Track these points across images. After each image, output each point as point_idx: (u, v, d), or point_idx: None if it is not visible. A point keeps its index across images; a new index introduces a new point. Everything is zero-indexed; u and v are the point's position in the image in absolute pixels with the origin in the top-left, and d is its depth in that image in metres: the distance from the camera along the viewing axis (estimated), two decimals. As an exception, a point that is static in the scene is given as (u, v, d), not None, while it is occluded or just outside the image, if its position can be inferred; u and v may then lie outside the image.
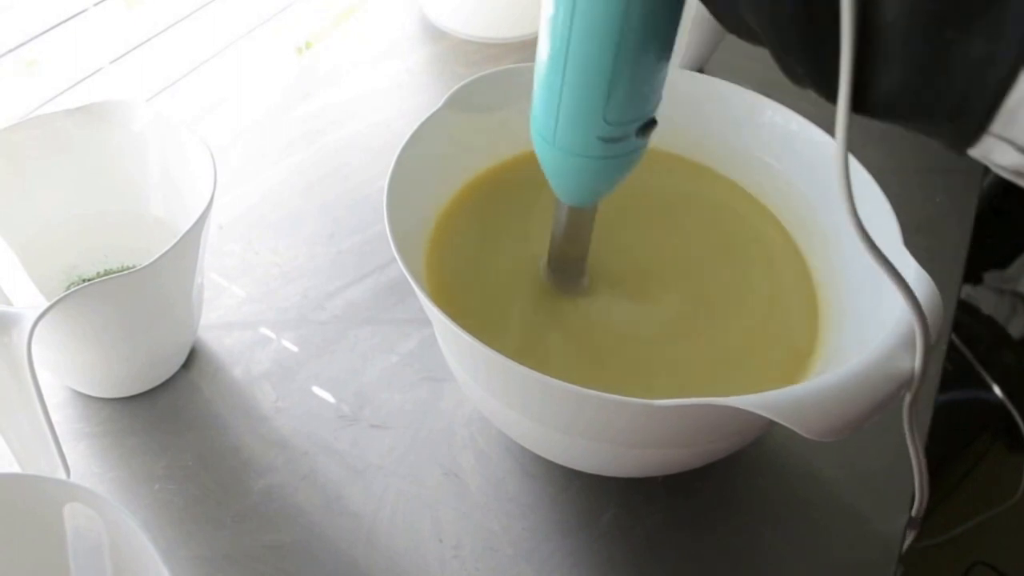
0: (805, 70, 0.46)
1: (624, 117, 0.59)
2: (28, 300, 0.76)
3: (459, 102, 0.77)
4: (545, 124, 0.61)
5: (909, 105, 0.42)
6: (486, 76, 0.79)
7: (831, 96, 0.45)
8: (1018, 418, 1.61)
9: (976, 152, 0.42)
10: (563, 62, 0.56)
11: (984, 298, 1.74)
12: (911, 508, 0.70)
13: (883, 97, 0.42)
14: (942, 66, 0.39)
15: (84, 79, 1.00)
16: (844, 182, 0.49)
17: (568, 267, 0.74)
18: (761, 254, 0.79)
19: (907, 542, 0.75)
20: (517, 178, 0.83)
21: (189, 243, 0.70)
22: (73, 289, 0.64)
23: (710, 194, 0.83)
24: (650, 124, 0.61)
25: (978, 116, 0.39)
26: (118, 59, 1.02)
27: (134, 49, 1.04)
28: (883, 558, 0.74)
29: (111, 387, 0.80)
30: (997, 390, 1.61)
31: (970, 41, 0.38)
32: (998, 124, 0.39)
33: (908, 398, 0.57)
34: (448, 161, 0.78)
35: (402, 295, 0.91)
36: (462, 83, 0.78)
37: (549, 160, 0.64)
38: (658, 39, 0.56)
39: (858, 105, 0.44)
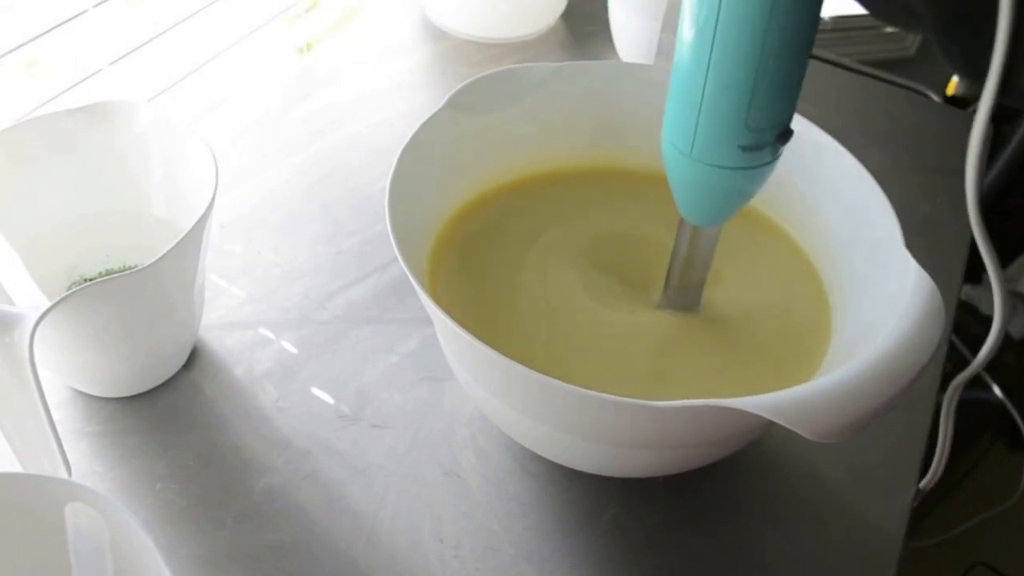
0: (960, 52, 0.47)
1: (766, 122, 0.59)
2: (30, 300, 0.76)
3: (460, 102, 0.77)
4: (683, 134, 0.61)
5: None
6: (488, 76, 0.79)
7: (978, 78, 0.46)
8: (1018, 418, 1.61)
9: None
10: (705, 65, 0.56)
11: (984, 298, 1.73)
12: (914, 498, 0.71)
13: None
14: None
15: (85, 79, 1.00)
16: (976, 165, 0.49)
17: (688, 292, 0.74)
18: (764, 252, 0.79)
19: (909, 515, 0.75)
20: (519, 178, 0.83)
21: (191, 243, 0.70)
22: (75, 289, 0.64)
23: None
24: (787, 133, 0.61)
25: None
26: (119, 59, 1.02)
27: (135, 49, 1.04)
28: (884, 556, 0.74)
29: (112, 386, 0.80)
30: (997, 390, 1.60)
31: None
32: None
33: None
34: (450, 161, 0.78)
35: (403, 295, 0.91)
36: (463, 83, 0.78)
37: (684, 174, 0.64)
38: (800, 38, 0.56)
39: (1002, 91, 0.45)
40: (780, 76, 0.57)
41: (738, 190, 0.64)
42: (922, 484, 0.70)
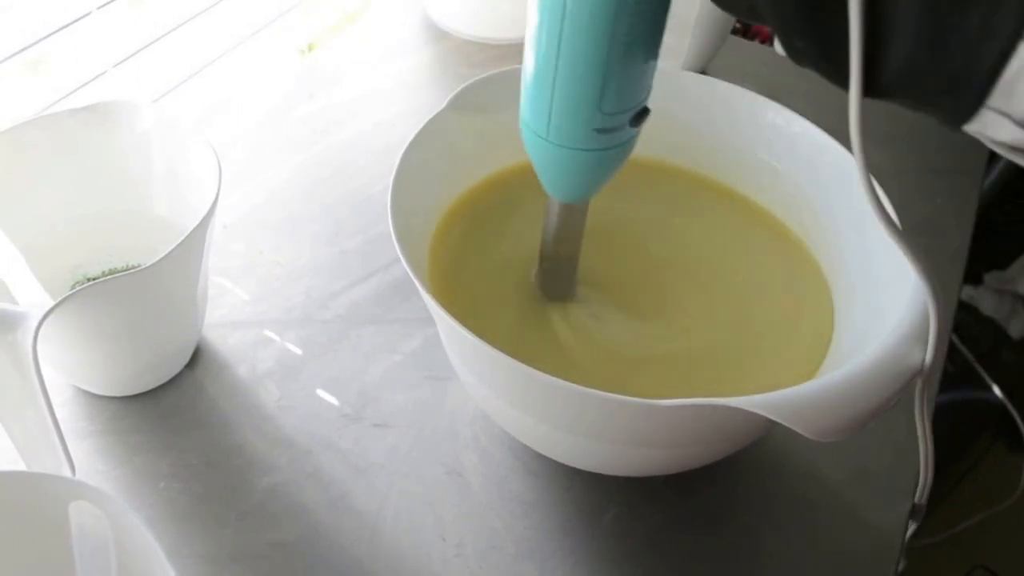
0: (806, 47, 0.46)
1: (620, 106, 0.59)
2: (33, 299, 0.76)
3: (463, 103, 0.78)
4: (537, 119, 0.62)
5: (911, 81, 0.42)
6: (490, 77, 0.79)
7: (834, 75, 0.45)
8: (1018, 418, 1.61)
9: (972, 127, 0.42)
10: (555, 54, 0.56)
11: (984, 299, 1.74)
12: (914, 497, 0.71)
13: (889, 75, 0.42)
14: (943, 38, 0.39)
15: (89, 80, 1.00)
16: (863, 168, 0.49)
17: (560, 269, 0.74)
18: (768, 253, 0.79)
19: (910, 531, 0.75)
20: (521, 178, 0.83)
21: (194, 243, 0.71)
22: (78, 288, 0.65)
23: (712, 196, 0.83)
24: (644, 112, 0.61)
25: (977, 89, 0.39)
26: (123, 60, 1.03)
27: (139, 51, 1.04)
28: (884, 556, 0.74)
29: (116, 385, 0.80)
30: (997, 390, 1.61)
31: (969, 11, 0.38)
32: (996, 97, 0.39)
33: (919, 384, 0.58)
34: (452, 162, 0.79)
35: (405, 295, 0.91)
36: (466, 84, 0.78)
37: (542, 156, 0.64)
38: (652, 24, 0.56)
39: (865, 85, 0.44)
40: (633, 61, 0.57)
41: (598, 169, 0.64)
42: (916, 498, 0.70)
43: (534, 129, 0.63)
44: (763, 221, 0.82)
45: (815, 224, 0.78)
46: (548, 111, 0.60)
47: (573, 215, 0.70)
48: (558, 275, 0.75)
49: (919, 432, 0.63)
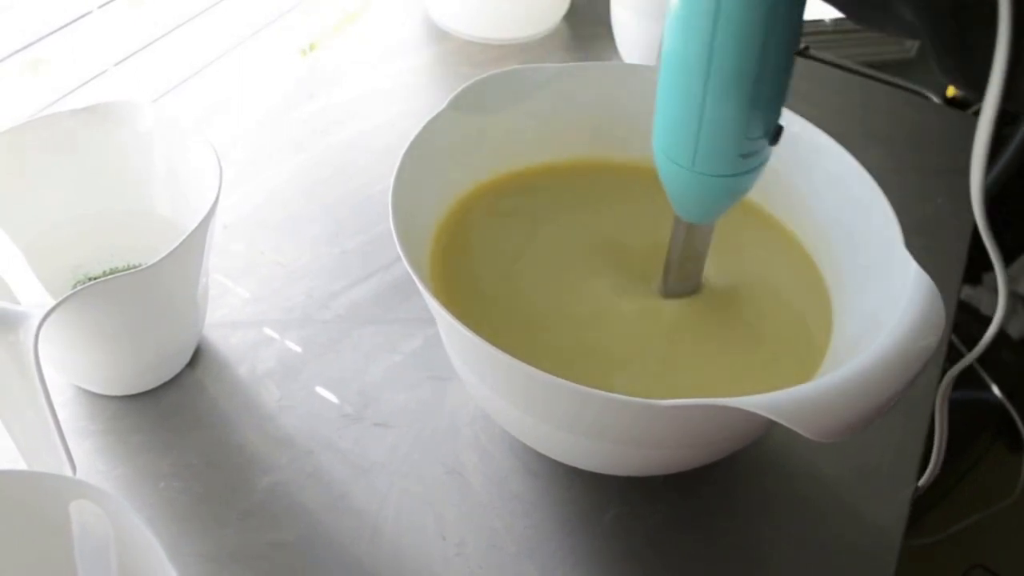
0: (955, 65, 0.47)
1: (764, 129, 0.60)
2: (34, 299, 0.76)
3: (463, 103, 0.78)
4: (681, 152, 0.62)
5: None
6: (491, 77, 0.79)
7: (976, 90, 0.47)
8: (1017, 418, 1.61)
9: None
10: (703, 87, 0.57)
11: (983, 299, 1.74)
12: (913, 495, 0.71)
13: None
14: None
15: (90, 80, 1.00)
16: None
17: (686, 283, 0.75)
18: (766, 254, 0.80)
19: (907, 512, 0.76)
20: (522, 177, 0.83)
21: (194, 242, 0.71)
22: (79, 288, 0.65)
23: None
24: (779, 130, 0.62)
25: None
26: (123, 60, 1.03)
27: (139, 50, 1.05)
28: (884, 555, 0.74)
29: (117, 385, 0.81)
30: (996, 390, 1.61)
31: None
32: None
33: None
34: (453, 162, 0.79)
35: (406, 294, 0.91)
36: (466, 84, 0.78)
37: (684, 185, 0.65)
38: (791, 40, 0.57)
39: (1004, 98, 0.46)
40: (776, 84, 0.58)
41: (736, 191, 0.65)
42: (921, 481, 0.71)
43: (677, 161, 0.63)
44: (761, 221, 0.82)
45: (813, 225, 0.79)
46: (695, 143, 0.61)
47: (702, 234, 0.71)
48: (682, 290, 0.76)
49: (937, 419, 0.63)
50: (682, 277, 0.74)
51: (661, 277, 0.76)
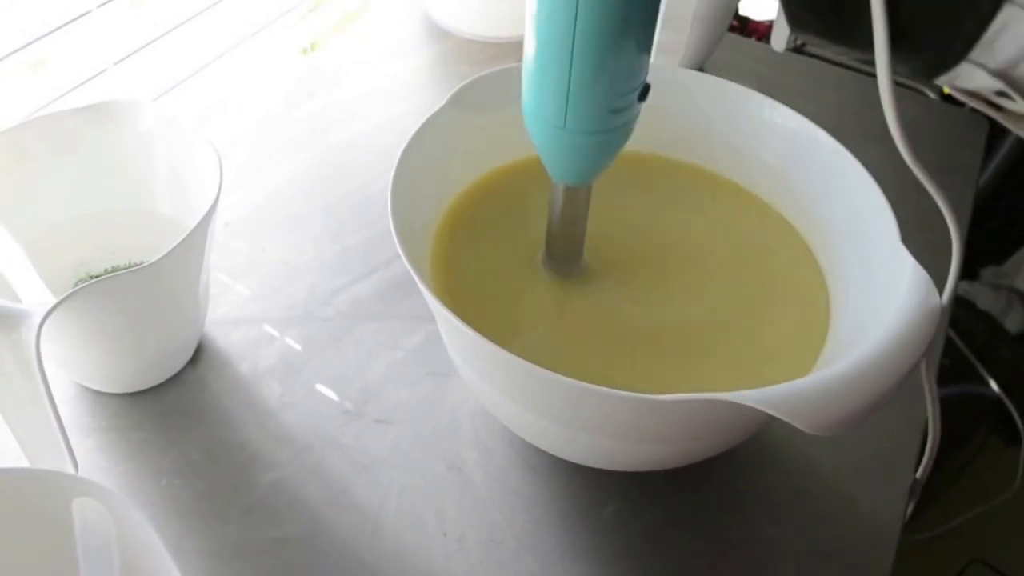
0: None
1: (633, 83, 0.61)
2: (36, 297, 0.77)
3: (463, 100, 0.78)
4: (553, 111, 0.62)
5: (912, 36, 0.45)
6: (489, 75, 0.80)
7: (838, 38, 0.49)
8: (1015, 413, 1.61)
9: (945, 78, 0.46)
10: (570, 45, 0.57)
11: (980, 294, 1.74)
12: (912, 487, 0.71)
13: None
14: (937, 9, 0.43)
15: (90, 79, 1.01)
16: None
17: (568, 250, 0.75)
18: (765, 248, 0.80)
19: (909, 510, 0.76)
20: (521, 175, 0.84)
21: (195, 240, 0.71)
22: (81, 286, 0.65)
23: (710, 192, 0.84)
24: (647, 87, 0.62)
25: (964, 44, 0.43)
26: (123, 59, 1.03)
27: (139, 50, 1.05)
28: (882, 547, 0.74)
29: (119, 383, 0.81)
30: (994, 385, 1.61)
31: None
32: (976, 51, 0.43)
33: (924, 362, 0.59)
34: (452, 159, 0.79)
35: (406, 291, 0.92)
36: (465, 82, 0.78)
37: (556, 145, 0.65)
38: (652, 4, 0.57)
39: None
40: (643, 37, 0.59)
41: (610, 148, 0.66)
42: (918, 473, 0.71)
43: (548, 120, 0.63)
44: (759, 216, 0.82)
45: (811, 219, 0.79)
46: (564, 101, 0.61)
47: (579, 197, 0.71)
48: (565, 256, 0.76)
49: (928, 409, 0.63)
50: (564, 247, 0.75)
51: (544, 252, 0.77)
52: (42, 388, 0.61)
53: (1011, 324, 1.74)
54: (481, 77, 0.79)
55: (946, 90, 1.41)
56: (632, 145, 0.68)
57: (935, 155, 1.12)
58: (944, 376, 0.83)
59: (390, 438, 0.80)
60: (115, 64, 1.02)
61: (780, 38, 0.59)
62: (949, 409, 0.78)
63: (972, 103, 0.49)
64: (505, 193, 0.83)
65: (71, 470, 0.61)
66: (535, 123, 0.65)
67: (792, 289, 0.77)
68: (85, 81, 1.00)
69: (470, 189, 0.82)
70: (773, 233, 0.81)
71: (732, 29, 1.36)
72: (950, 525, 1.67)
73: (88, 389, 0.82)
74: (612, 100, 0.61)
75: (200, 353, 0.85)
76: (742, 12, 1.46)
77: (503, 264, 0.77)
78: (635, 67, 0.60)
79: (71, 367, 0.80)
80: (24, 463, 0.66)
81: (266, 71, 1.22)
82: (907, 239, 0.65)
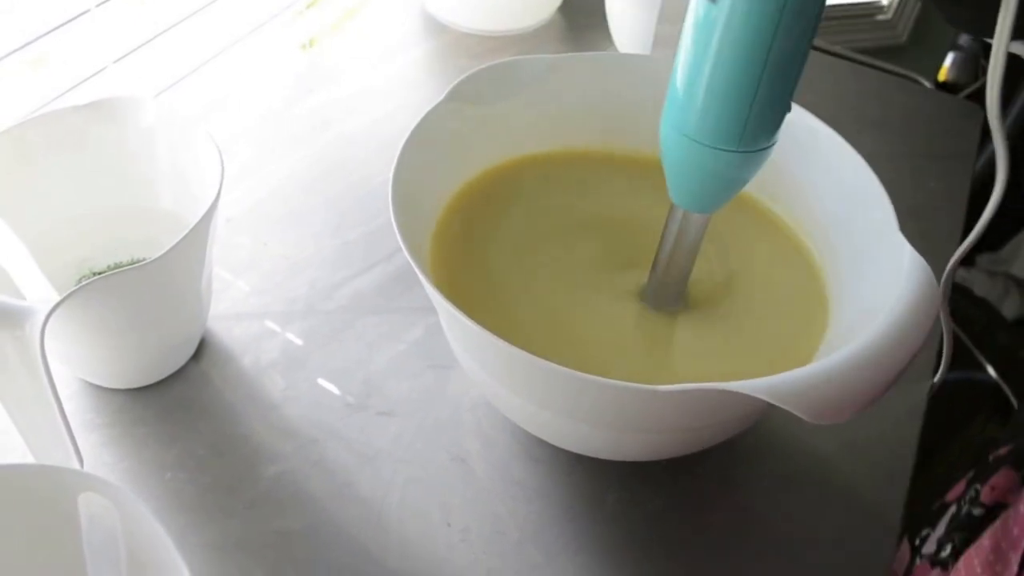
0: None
1: (784, 103, 0.60)
2: (40, 294, 0.77)
3: (462, 94, 0.78)
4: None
5: None
6: (488, 68, 0.80)
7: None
8: (1012, 398, 1.61)
9: None
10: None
11: (977, 280, 1.74)
12: (912, 471, 0.71)
13: None
14: None
15: (91, 76, 1.01)
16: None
17: (672, 283, 0.74)
18: (761, 238, 0.80)
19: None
20: (520, 168, 0.84)
21: (198, 236, 0.71)
22: (84, 283, 0.65)
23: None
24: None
25: None
26: (124, 56, 1.03)
27: (140, 46, 1.05)
28: (884, 532, 0.75)
29: (122, 378, 0.81)
30: (991, 371, 1.61)
31: None
32: None
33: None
34: (452, 152, 0.79)
35: (408, 284, 0.92)
36: (464, 75, 0.79)
37: (684, 158, 0.63)
38: (809, 27, 0.56)
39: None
40: (789, 64, 0.58)
41: (735, 175, 0.64)
42: (936, 378, 0.71)
43: (682, 130, 0.62)
44: (756, 207, 0.82)
45: (807, 210, 0.79)
46: (745, 119, 0.59)
47: (695, 227, 0.69)
48: (668, 287, 0.75)
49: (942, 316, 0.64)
50: (669, 273, 0.73)
51: (647, 282, 0.76)
52: (46, 384, 0.61)
53: (1008, 310, 1.74)
54: (479, 71, 0.79)
55: (941, 78, 1.41)
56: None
57: (931, 144, 1.13)
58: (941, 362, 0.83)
59: (393, 430, 0.80)
60: (115, 62, 1.03)
61: None
62: (946, 395, 0.78)
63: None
64: (505, 185, 0.83)
65: (76, 466, 0.61)
66: (668, 131, 0.63)
67: (790, 278, 0.77)
68: (86, 79, 1.00)
69: (470, 181, 0.82)
70: (769, 223, 0.81)
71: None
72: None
73: (92, 385, 0.82)
74: (784, 111, 0.61)
75: (203, 348, 0.86)
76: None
77: (503, 255, 0.78)
78: (782, 90, 0.59)
79: (75, 363, 0.81)
80: (29, 459, 0.66)
81: (266, 67, 1.22)
82: (904, 227, 0.66)
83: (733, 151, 0.61)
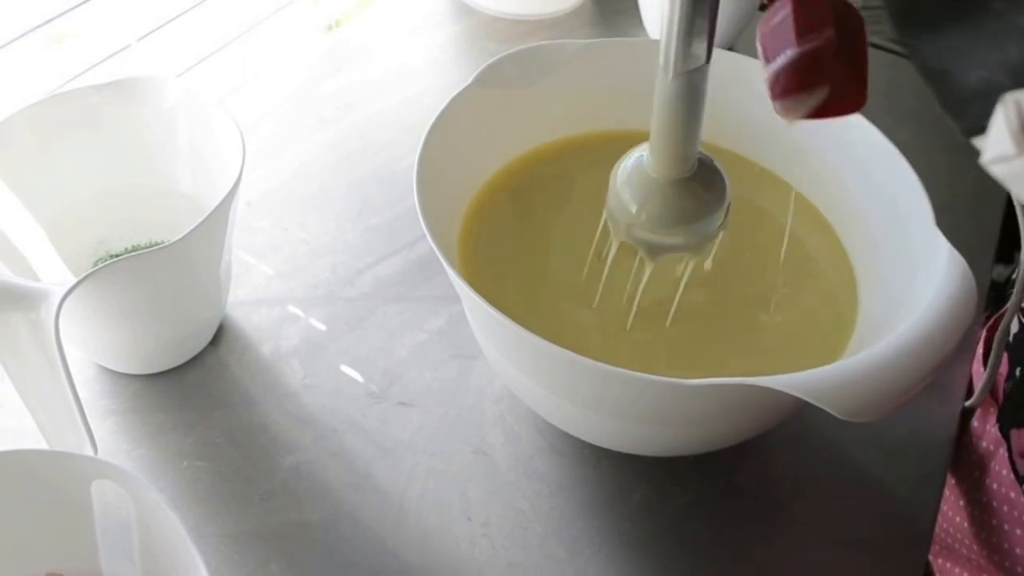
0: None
1: None
2: (56, 276, 0.76)
3: (489, 78, 0.77)
4: None
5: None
6: (516, 53, 0.79)
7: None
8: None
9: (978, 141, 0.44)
10: None
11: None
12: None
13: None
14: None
15: (112, 55, 1.00)
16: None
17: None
18: (794, 233, 0.79)
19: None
20: (549, 155, 0.83)
21: (217, 219, 0.70)
22: (101, 265, 0.64)
23: (736, 175, 0.83)
24: None
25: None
26: (147, 35, 1.02)
27: (163, 25, 1.04)
28: (915, 541, 0.74)
29: (139, 363, 0.80)
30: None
31: None
32: None
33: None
34: (478, 138, 0.78)
35: (431, 272, 0.91)
36: (492, 60, 0.78)
37: None
38: None
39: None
40: None
41: None
42: (967, 403, 0.70)
43: None
44: (789, 200, 0.81)
45: (841, 203, 0.78)
46: None
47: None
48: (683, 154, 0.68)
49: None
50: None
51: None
52: (61, 369, 0.61)
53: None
54: (507, 55, 0.78)
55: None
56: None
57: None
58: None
59: (414, 421, 0.79)
60: (138, 40, 1.02)
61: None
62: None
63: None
64: (532, 172, 0.82)
65: (90, 452, 0.61)
66: None
67: (822, 273, 0.76)
68: (108, 57, 1.00)
69: (497, 168, 0.81)
70: (803, 216, 0.80)
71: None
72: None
73: (108, 370, 0.81)
74: None
75: (222, 334, 0.85)
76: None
77: (530, 243, 0.77)
78: None
79: (90, 347, 0.80)
80: (43, 445, 0.65)
81: (290, 47, 1.21)
82: (940, 222, 0.64)
83: None
